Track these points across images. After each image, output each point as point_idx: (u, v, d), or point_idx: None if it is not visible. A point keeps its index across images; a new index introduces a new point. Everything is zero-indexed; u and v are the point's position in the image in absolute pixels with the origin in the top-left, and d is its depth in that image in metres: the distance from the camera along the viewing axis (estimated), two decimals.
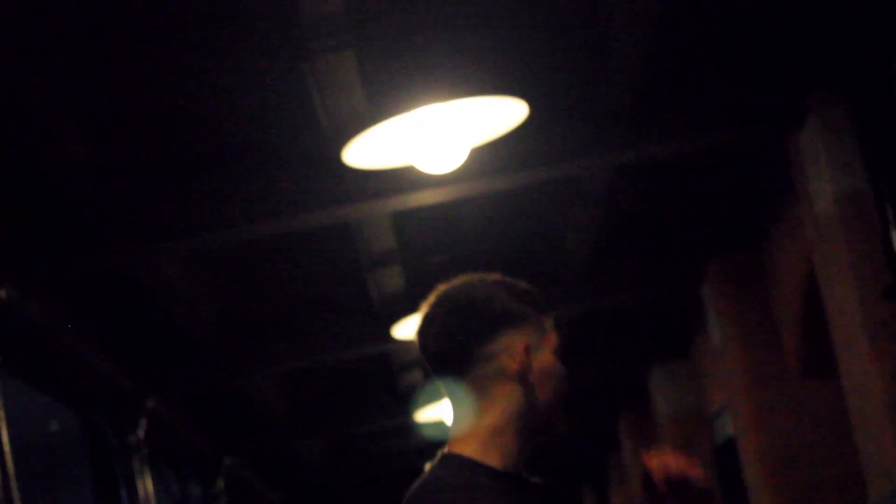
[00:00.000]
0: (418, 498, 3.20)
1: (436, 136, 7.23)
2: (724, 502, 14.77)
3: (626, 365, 16.27)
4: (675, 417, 15.85)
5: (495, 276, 3.38)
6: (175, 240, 9.45)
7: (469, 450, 3.23)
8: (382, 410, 16.65)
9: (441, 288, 3.31)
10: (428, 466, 3.29)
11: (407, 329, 11.47)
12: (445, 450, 3.29)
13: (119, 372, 12.08)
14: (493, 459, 3.23)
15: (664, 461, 3.10)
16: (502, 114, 7.26)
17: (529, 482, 3.38)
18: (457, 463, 3.25)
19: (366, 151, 7.24)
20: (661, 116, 8.91)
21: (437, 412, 15.65)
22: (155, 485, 12.88)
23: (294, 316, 12.76)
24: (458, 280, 3.31)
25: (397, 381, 15.67)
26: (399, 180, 8.81)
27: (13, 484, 8.85)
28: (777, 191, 10.71)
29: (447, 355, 3.25)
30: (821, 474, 11.45)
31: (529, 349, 3.23)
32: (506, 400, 3.21)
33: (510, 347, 3.21)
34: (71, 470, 20.97)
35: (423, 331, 3.30)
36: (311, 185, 9.08)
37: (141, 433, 12.58)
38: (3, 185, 8.66)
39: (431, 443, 19.66)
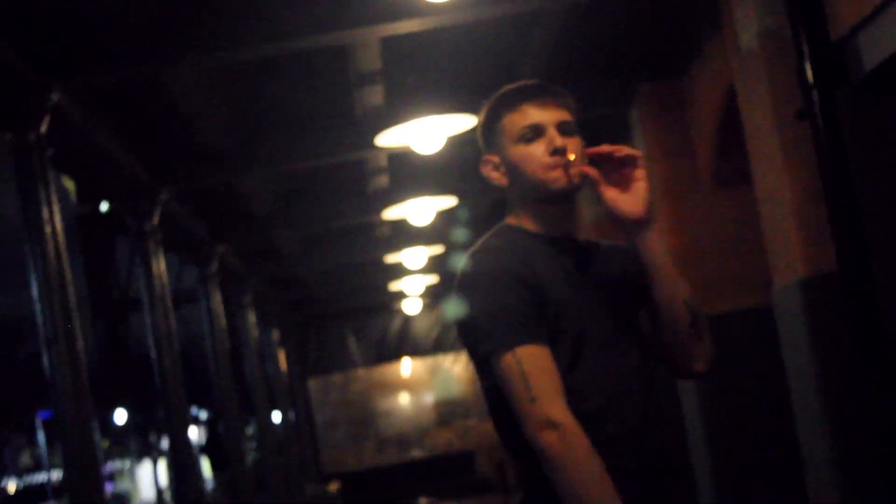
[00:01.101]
0: (469, 253, 3.43)
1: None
2: None
3: None
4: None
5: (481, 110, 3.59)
6: (197, 54, 9.38)
7: (514, 221, 3.39)
8: (354, 209, 16.66)
9: None
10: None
11: (385, 139, 11.43)
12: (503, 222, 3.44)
13: (141, 168, 12.10)
14: (531, 225, 3.40)
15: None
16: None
17: (576, 240, 3.53)
18: (504, 229, 3.39)
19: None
20: None
21: (399, 212, 15.74)
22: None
23: (289, 125, 12.71)
24: None
25: (368, 185, 15.69)
26: (388, 9, 8.80)
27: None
28: (702, 26, 10.73)
29: None
30: (728, 270, 11.57)
31: (495, 165, 3.52)
32: (511, 194, 3.52)
33: (486, 172, 3.55)
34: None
35: None
36: (313, 10, 9.03)
37: (156, 220, 12.65)
38: (53, 4, 8.60)
39: (393, 237, 19.89)
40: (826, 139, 8.13)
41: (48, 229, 8.75)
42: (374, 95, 11.55)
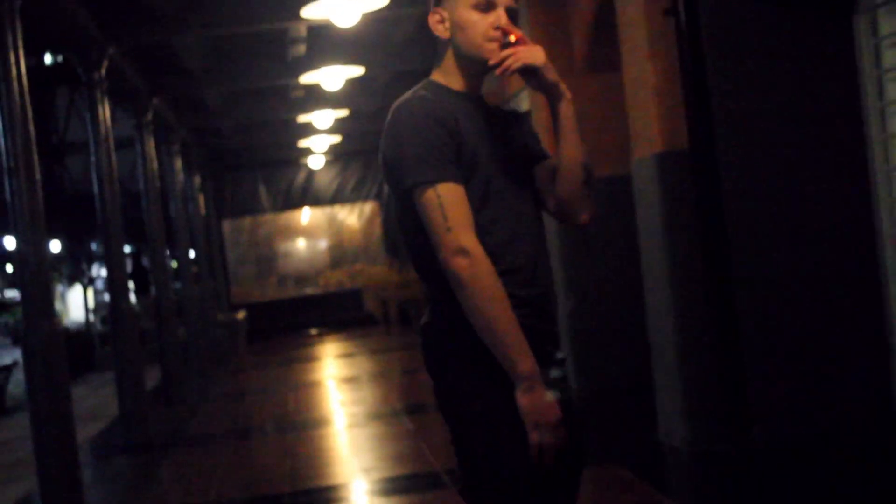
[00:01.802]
0: (399, 101, 3.55)
1: None
2: None
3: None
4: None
5: None
6: None
7: (440, 78, 3.53)
8: (274, 73, 16.68)
9: None
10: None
11: (308, 12, 11.40)
12: (428, 77, 3.60)
13: (93, 24, 12.07)
14: (454, 83, 3.56)
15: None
16: None
17: (486, 103, 3.69)
18: (430, 84, 3.57)
19: None
20: None
21: (313, 77, 15.84)
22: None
23: None
24: None
25: (288, 52, 15.71)
26: None
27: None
28: None
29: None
30: (599, 143, 11.75)
31: (442, 20, 3.55)
32: (445, 49, 3.58)
33: (432, 22, 3.57)
34: None
35: None
36: None
37: (103, 71, 12.68)
38: None
39: (307, 99, 19.89)
40: (687, 33, 8.25)
41: (14, 72, 8.81)
42: None
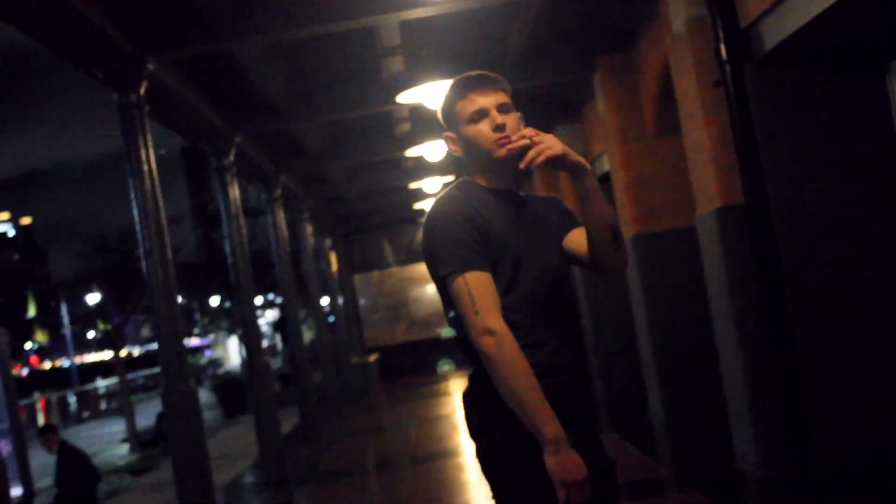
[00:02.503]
0: (435, 200, 3.57)
1: None
2: None
3: (540, 123, 16.32)
4: None
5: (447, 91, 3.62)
6: (258, 32, 9.43)
7: (473, 177, 3.50)
8: (384, 148, 16.68)
9: None
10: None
11: (403, 98, 11.41)
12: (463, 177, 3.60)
13: (219, 118, 12.19)
14: (483, 181, 3.50)
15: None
16: None
17: (517, 194, 3.64)
18: (464, 182, 3.56)
19: None
20: None
21: (418, 150, 15.88)
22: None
23: (332, 85, 12.79)
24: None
25: (395, 130, 15.76)
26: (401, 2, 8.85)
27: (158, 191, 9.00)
28: (645, 13, 10.79)
29: None
30: (664, 198, 11.64)
31: (454, 140, 3.59)
32: (468, 158, 3.56)
33: (448, 144, 3.63)
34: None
35: None
36: (346, 5, 9.09)
37: (231, 158, 12.81)
38: None
39: (416, 168, 19.91)
40: (735, 102, 8.21)
41: (145, 168, 8.88)
42: (396, 65, 11.62)
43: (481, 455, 3.51)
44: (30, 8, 7.54)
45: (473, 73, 3.60)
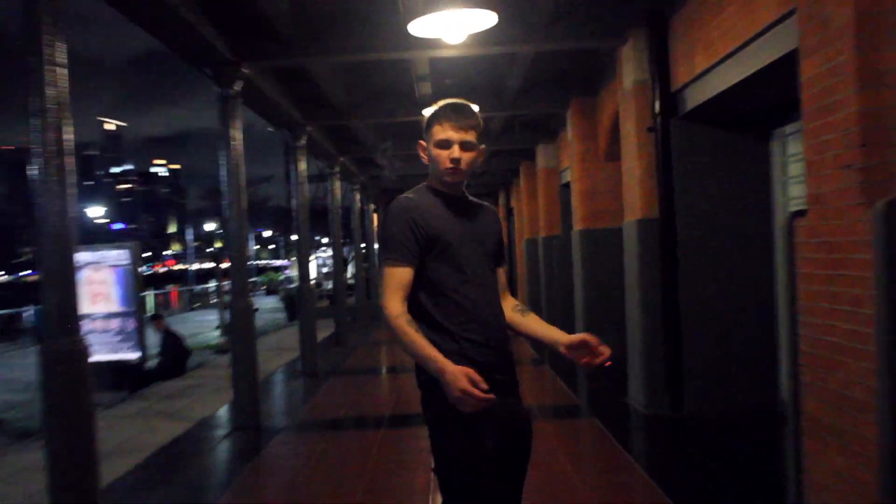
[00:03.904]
0: (398, 196, 3.26)
1: (449, 25, 6.93)
2: (563, 213, 14.82)
3: (524, 140, 16.04)
4: (546, 168, 15.76)
5: (439, 104, 3.25)
6: (327, 52, 9.18)
7: (430, 182, 3.23)
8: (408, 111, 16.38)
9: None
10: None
11: (419, 29, 11.08)
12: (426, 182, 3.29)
13: (297, 112, 11.95)
14: (438, 186, 3.19)
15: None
16: (480, 19, 6.91)
17: (462, 198, 3.29)
18: (422, 187, 3.25)
19: (418, 27, 6.91)
20: (565, 29, 8.68)
21: None
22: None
23: (378, 95, 12.53)
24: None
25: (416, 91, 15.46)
26: (432, 43, 8.54)
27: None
28: (606, 71, 10.52)
29: None
30: (605, 206, 11.53)
31: (424, 149, 3.22)
32: (430, 167, 3.21)
33: (420, 149, 3.26)
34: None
35: None
36: (391, 40, 8.79)
37: (303, 141, 12.52)
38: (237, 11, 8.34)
39: None
40: (661, 144, 8.10)
41: (233, 142, 8.61)
42: (426, 88, 11.34)
43: (422, 403, 3.20)
44: (163, 25, 7.34)
45: (460, 103, 3.24)
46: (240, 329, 8.71)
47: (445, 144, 3.16)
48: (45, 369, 4.52)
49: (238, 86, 8.63)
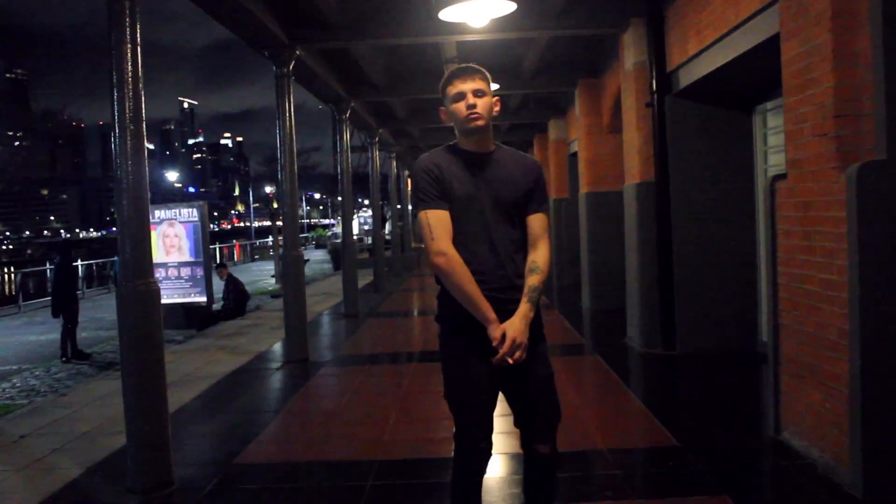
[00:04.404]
0: (423, 154, 3.07)
1: (474, 11, 6.76)
2: (570, 179, 14.62)
3: (538, 115, 15.83)
4: (557, 140, 15.56)
5: (455, 67, 3.05)
6: (369, 35, 9.01)
7: (454, 140, 3.04)
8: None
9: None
10: None
11: (447, 14, 10.90)
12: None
13: (341, 89, 11.79)
14: (462, 144, 3.00)
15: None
16: (501, 6, 6.73)
17: (484, 154, 3.03)
18: (447, 145, 3.05)
19: (447, 13, 6.75)
20: (575, 17, 8.48)
21: None
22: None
23: (413, 74, 12.36)
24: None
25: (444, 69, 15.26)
26: (459, 27, 8.38)
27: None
28: (610, 54, 10.31)
29: None
30: (608, 171, 11.39)
31: (446, 111, 3.01)
32: (454, 127, 3.02)
33: (442, 115, 3.06)
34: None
35: None
36: (422, 26, 8.63)
37: (347, 114, 12.36)
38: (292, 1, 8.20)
39: None
40: (657, 117, 7.92)
41: (287, 116, 8.51)
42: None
43: (439, 339, 3.08)
44: (231, 14, 7.29)
45: (462, 65, 3.07)
46: (291, 276, 8.66)
47: (459, 97, 2.98)
48: (121, 309, 4.48)
49: (291, 66, 8.52)
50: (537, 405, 3.06)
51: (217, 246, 39.07)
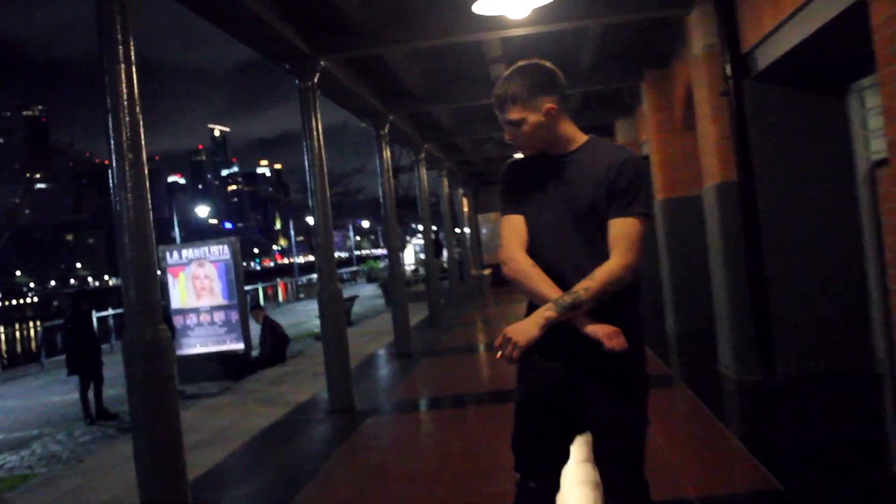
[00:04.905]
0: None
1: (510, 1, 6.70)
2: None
3: (602, 116, 15.69)
4: (625, 141, 15.39)
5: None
6: (400, 42, 9.01)
7: None
8: (484, 94, 16.12)
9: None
10: None
11: (482, 7, 10.88)
12: None
13: (378, 103, 11.81)
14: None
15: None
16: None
17: (559, 156, 2.97)
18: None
19: (481, 5, 6.70)
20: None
21: None
22: None
23: (454, 81, 12.34)
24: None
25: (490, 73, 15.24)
26: (498, 21, 8.33)
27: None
28: (677, 40, 10.17)
29: None
30: (684, 174, 11.28)
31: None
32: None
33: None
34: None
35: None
36: (457, 23, 8.60)
37: (386, 130, 12.39)
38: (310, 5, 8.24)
39: None
40: (735, 107, 7.78)
41: (314, 135, 8.53)
42: (500, 70, 11.09)
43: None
44: (243, 25, 7.36)
45: (499, 84, 2.99)
46: (329, 315, 8.63)
47: (504, 125, 3.01)
48: (128, 361, 4.47)
49: (316, 78, 8.55)
50: (607, 460, 2.94)
51: (259, 286, 39.57)
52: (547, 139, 2.93)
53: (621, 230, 2.83)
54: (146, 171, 4.60)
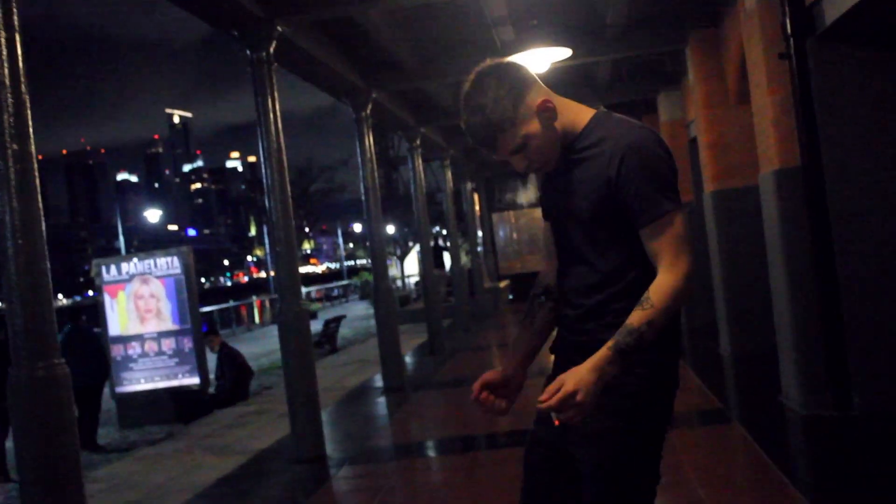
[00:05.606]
0: None
1: None
2: (694, 174, 14.38)
3: (644, 90, 15.61)
4: (670, 121, 15.33)
5: None
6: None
7: None
8: None
9: None
10: None
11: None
12: None
13: (356, 75, 11.71)
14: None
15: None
16: None
17: (568, 148, 2.92)
18: None
19: None
20: None
21: None
22: None
23: (445, 47, 12.24)
24: None
25: None
26: None
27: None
28: None
29: None
30: (740, 159, 11.19)
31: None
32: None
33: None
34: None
35: None
36: None
37: (368, 111, 12.27)
38: None
39: None
40: (797, 73, 7.66)
41: (271, 115, 8.40)
42: (507, 34, 10.99)
43: None
44: None
45: (470, 137, 2.92)
46: (291, 341, 8.46)
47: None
48: (14, 401, 4.33)
49: (272, 47, 8.42)
50: None
51: (231, 304, 39.51)
52: (557, 137, 2.85)
53: (658, 237, 2.75)
54: (35, 165, 4.47)
